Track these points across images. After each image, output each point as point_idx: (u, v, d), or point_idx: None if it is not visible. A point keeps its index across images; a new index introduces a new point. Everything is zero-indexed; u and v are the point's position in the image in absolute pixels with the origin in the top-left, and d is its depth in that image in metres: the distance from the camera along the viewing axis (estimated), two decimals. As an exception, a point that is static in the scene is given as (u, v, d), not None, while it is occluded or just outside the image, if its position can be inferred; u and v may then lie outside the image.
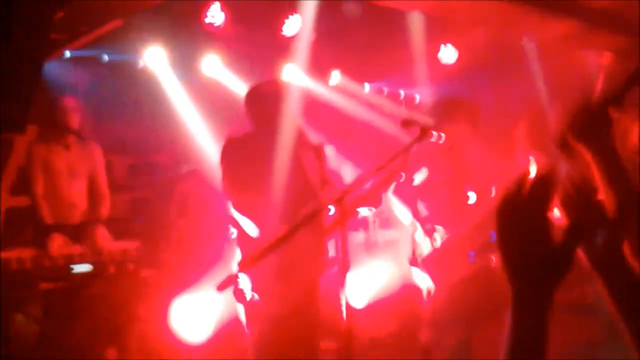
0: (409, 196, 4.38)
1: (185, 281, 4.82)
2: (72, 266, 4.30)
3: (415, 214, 4.34)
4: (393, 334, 5.32)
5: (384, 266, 5.63)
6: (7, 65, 3.30)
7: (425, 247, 4.23)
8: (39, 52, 3.53)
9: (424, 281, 4.24)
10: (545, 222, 1.05)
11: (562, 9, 5.01)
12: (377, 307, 5.41)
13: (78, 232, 4.59)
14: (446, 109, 4.38)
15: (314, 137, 3.99)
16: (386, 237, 6.11)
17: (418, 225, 4.30)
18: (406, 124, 2.82)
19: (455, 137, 4.12)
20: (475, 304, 3.91)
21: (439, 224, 4.24)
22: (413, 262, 4.22)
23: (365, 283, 5.50)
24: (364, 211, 5.78)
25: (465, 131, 4.32)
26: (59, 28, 4.03)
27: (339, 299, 2.60)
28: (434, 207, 4.36)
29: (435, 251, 4.16)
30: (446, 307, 4.13)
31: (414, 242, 4.42)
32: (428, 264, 4.16)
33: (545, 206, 1.05)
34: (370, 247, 6.04)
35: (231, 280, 2.66)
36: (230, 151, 3.84)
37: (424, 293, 4.29)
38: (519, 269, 1.06)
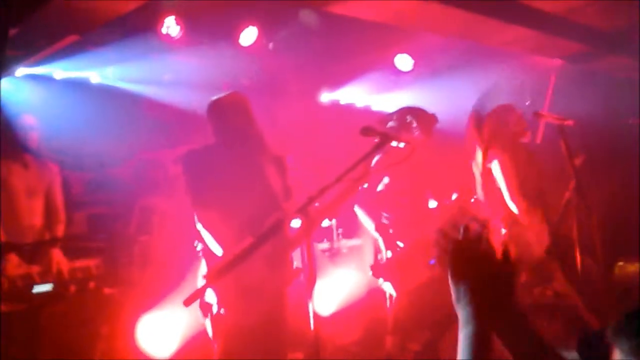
0: (371, 205, 4.44)
1: (150, 297, 4.76)
2: (31, 286, 4.19)
3: (378, 222, 4.40)
4: (359, 340, 5.36)
5: (348, 274, 5.68)
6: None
7: (387, 254, 4.28)
8: (-5, 70, 3.47)
9: (386, 288, 4.30)
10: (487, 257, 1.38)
11: (516, 17, 5.17)
12: (342, 314, 5.44)
13: (33, 252, 4.48)
14: (402, 117, 4.45)
15: (276, 147, 4.00)
16: (350, 246, 6.16)
17: (381, 233, 4.36)
18: (365, 131, 2.84)
19: (413, 144, 4.18)
20: (438, 309, 3.98)
21: (401, 231, 4.30)
22: (375, 269, 4.28)
23: (330, 291, 5.53)
24: (325, 221, 5.83)
25: (421, 139, 4.40)
26: (14, 44, 3.96)
27: (306, 310, 2.61)
28: (396, 214, 4.42)
29: (396, 257, 4.21)
30: (410, 313, 4.19)
31: (376, 250, 4.48)
32: (389, 270, 4.22)
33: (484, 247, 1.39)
34: (335, 256, 6.07)
35: (197, 294, 2.64)
36: (192, 163, 3.82)
37: (387, 299, 4.35)
38: (471, 292, 1.36)
